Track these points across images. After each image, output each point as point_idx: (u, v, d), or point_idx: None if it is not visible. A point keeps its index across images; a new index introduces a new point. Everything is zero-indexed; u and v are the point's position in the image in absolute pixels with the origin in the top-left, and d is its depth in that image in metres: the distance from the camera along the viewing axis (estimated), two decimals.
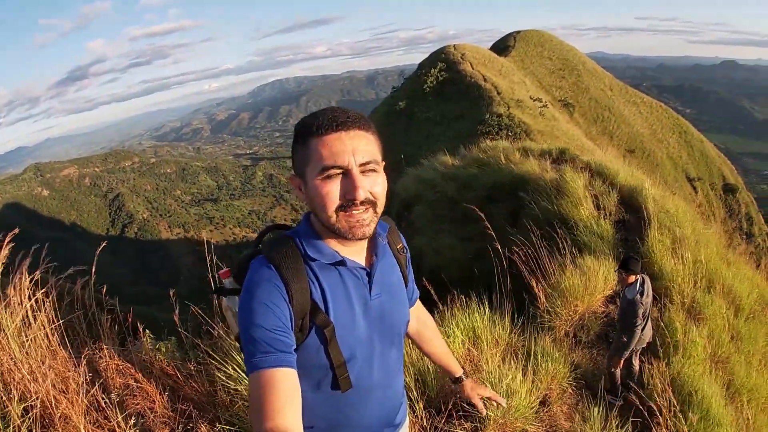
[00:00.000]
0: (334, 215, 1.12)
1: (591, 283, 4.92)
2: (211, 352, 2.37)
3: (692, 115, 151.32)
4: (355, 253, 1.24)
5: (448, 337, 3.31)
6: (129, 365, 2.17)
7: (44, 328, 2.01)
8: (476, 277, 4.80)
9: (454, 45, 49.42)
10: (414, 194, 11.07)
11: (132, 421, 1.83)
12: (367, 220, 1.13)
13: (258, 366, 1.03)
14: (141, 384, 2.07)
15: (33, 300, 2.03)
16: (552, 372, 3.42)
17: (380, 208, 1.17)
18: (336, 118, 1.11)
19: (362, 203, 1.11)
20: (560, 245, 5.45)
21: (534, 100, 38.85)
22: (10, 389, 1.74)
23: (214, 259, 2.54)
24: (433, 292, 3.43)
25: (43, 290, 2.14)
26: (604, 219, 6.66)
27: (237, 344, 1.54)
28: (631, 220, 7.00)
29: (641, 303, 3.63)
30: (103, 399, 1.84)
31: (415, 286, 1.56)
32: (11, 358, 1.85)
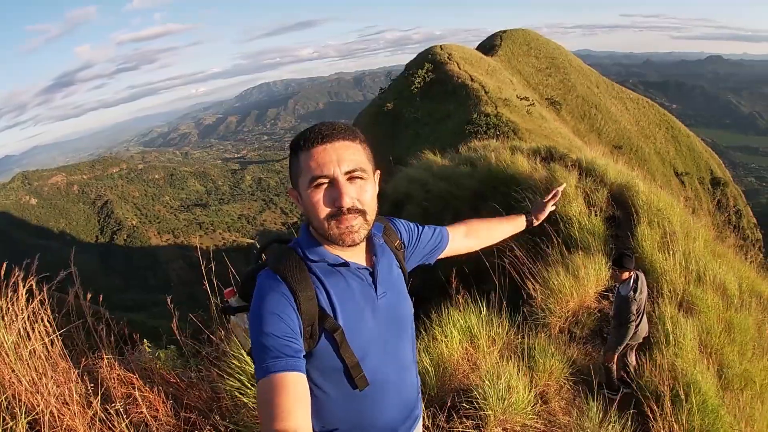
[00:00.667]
0: (326, 223, 1.18)
1: (583, 279, 4.97)
2: (213, 360, 2.37)
3: (679, 110, 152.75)
4: (355, 256, 1.29)
5: (445, 337, 3.33)
6: (130, 374, 2.17)
7: (43, 340, 1.99)
8: (470, 276, 4.83)
9: (440, 45, 49.65)
10: (404, 193, 11.09)
11: (134, 429, 1.83)
12: (357, 226, 1.19)
13: (269, 370, 1.05)
14: (143, 393, 2.06)
15: (30, 311, 2.01)
16: (549, 368, 3.45)
17: (370, 215, 1.22)
18: (322, 131, 1.18)
19: (350, 210, 1.17)
20: (553, 242, 5.50)
21: (521, 99, 39.12)
22: (12, 403, 1.73)
23: (212, 266, 2.55)
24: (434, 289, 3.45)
25: (37, 300, 2.13)
26: (595, 215, 6.71)
27: (249, 359, 1.57)
28: (621, 215, 7.06)
29: (635, 299, 3.67)
30: (106, 410, 1.83)
31: (436, 228, 1.65)
32: (12, 371, 1.84)
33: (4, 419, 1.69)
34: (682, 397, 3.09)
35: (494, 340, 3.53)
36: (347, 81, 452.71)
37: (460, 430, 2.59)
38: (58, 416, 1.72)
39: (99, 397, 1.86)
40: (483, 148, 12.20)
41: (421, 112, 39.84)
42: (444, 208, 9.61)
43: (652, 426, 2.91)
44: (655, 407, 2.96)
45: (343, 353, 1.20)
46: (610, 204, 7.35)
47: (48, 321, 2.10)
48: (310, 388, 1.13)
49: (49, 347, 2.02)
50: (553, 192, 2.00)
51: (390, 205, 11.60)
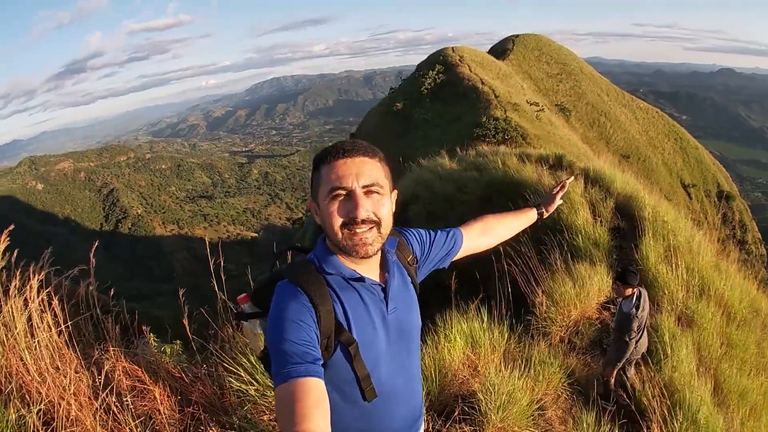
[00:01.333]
0: (340, 232, 1.23)
1: (586, 289, 4.97)
2: (221, 355, 2.40)
3: (688, 122, 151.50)
4: (369, 271, 1.33)
5: (448, 343, 3.35)
6: (136, 367, 2.19)
7: (51, 330, 2.02)
8: (474, 281, 4.84)
9: (452, 47, 49.46)
10: (411, 194, 11.11)
11: (138, 422, 1.85)
12: (370, 239, 1.23)
13: (290, 375, 1.08)
14: (147, 386, 2.09)
15: (38, 300, 2.04)
16: (547, 377, 3.46)
17: (384, 229, 1.27)
18: (344, 147, 1.25)
19: (364, 222, 1.21)
20: (557, 251, 5.51)
21: (531, 104, 38.97)
22: (22, 392, 1.76)
23: (221, 261, 2.57)
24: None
25: (46, 290, 2.16)
26: (600, 225, 6.71)
27: (260, 362, 1.61)
28: (626, 227, 7.05)
29: (637, 317, 3.67)
30: (114, 403, 1.86)
31: (449, 232, 1.67)
32: (21, 359, 1.87)
33: (10, 408, 1.72)
34: (676, 412, 3.10)
35: (494, 347, 3.54)
36: (357, 79, 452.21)
37: None
38: (65, 407, 1.75)
39: (107, 390, 1.88)
40: (491, 153, 12.21)
41: (430, 114, 39.71)
42: (449, 210, 9.63)
43: None
44: (649, 420, 2.97)
45: (356, 366, 1.25)
46: (615, 215, 7.35)
47: (55, 310, 2.13)
48: None
49: (56, 337, 2.05)
50: (561, 183, 2.03)
51: (397, 206, 11.60)
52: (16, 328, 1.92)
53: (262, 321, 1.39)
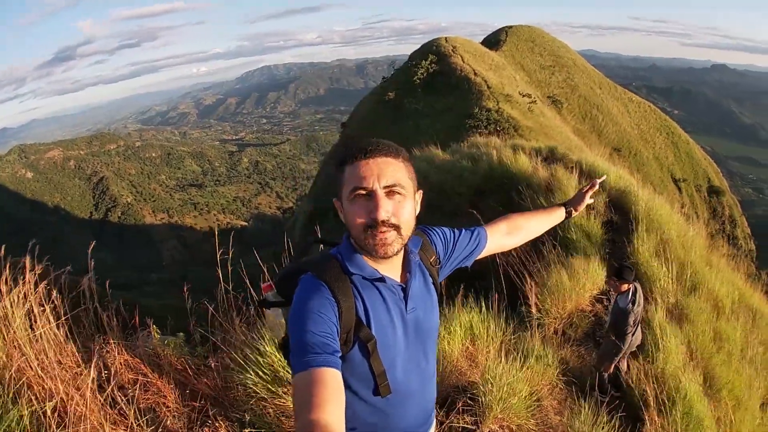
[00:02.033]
0: (362, 233, 1.24)
1: (580, 282, 5.02)
2: (225, 348, 2.39)
3: (680, 117, 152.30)
4: (391, 270, 1.35)
5: (448, 334, 3.38)
6: (138, 360, 2.18)
7: (50, 323, 2.00)
8: (469, 273, 4.85)
9: (445, 37, 49.29)
10: None
11: (144, 416, 1.85)
12: (390, 239, 1.24)
13: (308, 364, 1.10)
14: (150, 379, 2.08)
15: (38, 292, 2.02)
16: (543, 369, 3.50)
17: (406, 231, 1.27)
18: (367, 146, 1.25)
19: (384, 223, 1.22)
20: (551, 244, 5.54)
21: (523, 96, 38.99)
22: (23, 387, 1.74)
23: (229, 254, 2.55)
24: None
25: (44, 282, 2.13)
26: (594, 219, 6.75)
27: (279, 352, 1.63)
28: (619, 221, 7.11)
29: (632, 312, 3.73)
30: (119, 397, 1.85)
31: (474, 231, 1.66)
32: (22, 355, 1.85)
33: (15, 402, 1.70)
34: (669, 404, 3.15)
35: (492, 339, 3.58)
36: (349, 68, 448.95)
37: (460, 425, 2.65)
38: (68, 401, 1.74)
39: (113, 384, 1.87)
40: (485, 144, 12.21)
41: (422, 104, 39.61)
42: (445, 201, 9.63)
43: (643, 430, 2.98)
44: (643, 412, 3.02)
45: (373, 362, 1.27)
46: (608, 208, 7.39)
47: (54, 302, 2.11)
48: None
49: (56, 331, 2.03)
50: (591, 183, 2.00)
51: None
52: (15, 321, 1.90)
53: (285, 310, 1.42)
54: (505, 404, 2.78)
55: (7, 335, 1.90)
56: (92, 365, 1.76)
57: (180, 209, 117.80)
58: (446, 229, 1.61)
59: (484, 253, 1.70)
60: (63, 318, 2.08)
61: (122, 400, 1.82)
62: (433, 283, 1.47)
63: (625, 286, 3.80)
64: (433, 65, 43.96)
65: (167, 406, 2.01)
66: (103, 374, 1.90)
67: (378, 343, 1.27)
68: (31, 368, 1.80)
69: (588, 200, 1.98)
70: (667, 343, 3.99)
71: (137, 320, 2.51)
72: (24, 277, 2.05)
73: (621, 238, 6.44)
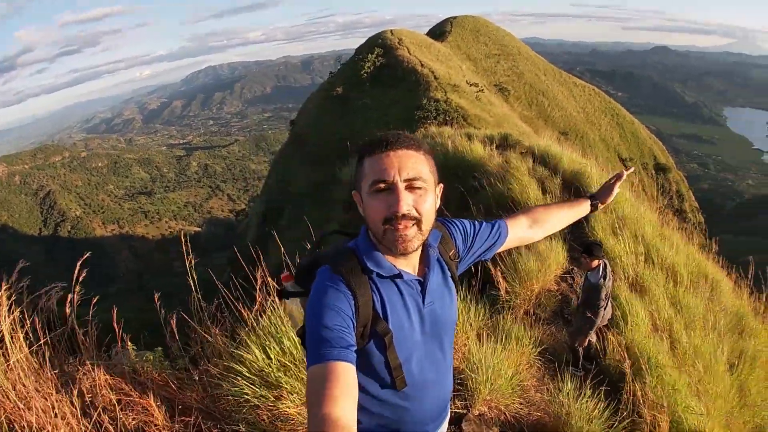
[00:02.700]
0: (381, 228, 1.23)
1: (545, 263, 5.17)
2: (209, 358, 2.32)
3: (624, 99, 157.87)
4: (409, 265, 1.34)
5: None
6: (119, 379, 2.09)
7: (24, 350, 1.89)
8: None
9: (391, 30, 49.37)
10: None
11: None
12: (410, 235, 1.23)
13: (323, 358, 1.10)
14: (134, 398, 2.00)
15: (11, 318, 1.90)
16: (521, 349, 3.61)
17: (426, 225, 1.26)
18: (387, 139, 1.24)
19: (404, 217, 1.20)
20: None
21: (471, 85, 39.48)
22: (2, 424, 1.63)
23: (190, 259, 2.48)
24: None
25: (17, 310, 2.01)
26: (550, 201, 6.95)
27: (297, 339, 1.63)
28: None
29: (604, 286, 3.87)
30: (105, 420, 1.77)
31: (495, 224, 1.64)
32: None
33: None
34: (642, 372, 3.31)
35: (471, 324, 3.65)
36: (295, 64, 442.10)
37: (451, 410, 2.70)
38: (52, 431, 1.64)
39: (97, 409, 1.78)
40: (439, 134, 12.35)
41: (370, 97, 39.52)
42: None
43: (623, 399, 3.12)
44: (619, 382, 3.16)
45: (389, 355, 1.27)
46: (563, 190, 7.63)
47: (28, 329, 1.99)
48: None
49: (30, 357, 1.91)
50: (617, 174, 1.95)
51: (349, 193, 11.59)
52: None
53: (303, 300, 1.41)
54: (492, 386, 2.88)
55: None
56: (74, 392, 1.67)
57: (130, 219, 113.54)
58: (466, 222, 1.60)
59: (505, 246, 1.68)
60: (36, 344, 1.96)
61: (110, 424, 1.75)
62: (452, 277, 1.47)
63: (595, 263, 3.96)
64: (379, 58, 43.92)
65: (156, 425, 1.94)
66: (86, 398, 1.81)
67: (394, 337, 1.28)
68: (9, 400, 1.69)
69: (616, 192, 1.92)
70: (634, 316, 4.18)
71: (119, 335, 2.39)
72: None
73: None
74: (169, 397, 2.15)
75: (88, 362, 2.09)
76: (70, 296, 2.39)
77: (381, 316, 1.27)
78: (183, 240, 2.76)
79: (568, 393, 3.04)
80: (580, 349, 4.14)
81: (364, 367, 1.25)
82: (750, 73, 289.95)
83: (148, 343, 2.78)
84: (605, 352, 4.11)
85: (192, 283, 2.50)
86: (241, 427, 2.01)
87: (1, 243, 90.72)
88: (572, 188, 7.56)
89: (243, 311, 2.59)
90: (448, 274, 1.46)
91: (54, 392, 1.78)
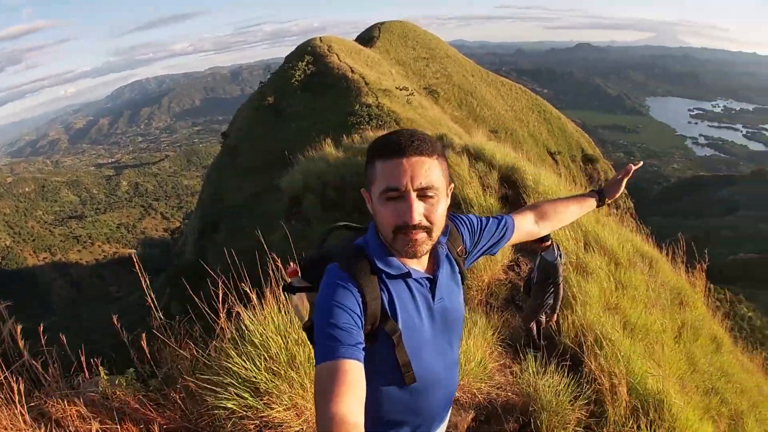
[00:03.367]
0: (391, 235, 1.24)
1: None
2: (186, 375, 2.27)
3: (550, 95, 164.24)
4: (419, 263, 1.36)
5: None
6: (92, 408, 2.01)
7: None
8: None
9: (320, 37, 49.13)
10: (302, 187, 11.02)
11: None
12: (420, 241, 1.24)
13: (331, 355, 1.12)
14: (110, 426, 1.93)
15: None
16: (483, 335, 3.81)
17: (436, 232, 1.27)
18: (401, 143, 1.21)
19: (416, 227, 1.21)
20: None
21: (401, 89, 39.89)
22: None
23: (145, 279, 2.41)
24: None
25: None
26: (490, 196, 7.25)
27: (304, 334, 1.62)
28: (512, 194, 7.71)
29: (561, 263, 4.12)
30: None
31: (502, 219, 1.66)
32: None
33: None
34: (597, 346, 3.57)
35: None
36: (224, 75, 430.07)
37: None
38: None
39: None
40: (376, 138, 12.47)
41: (302, 105, 39.06)
42: (345, 198, 9.70)
43: (584, 372, 3.37)
44: (578, 357, 3.38)
45: (398, 352, 1.29)
46: (501, 184, 7.97)
47: None
48: None
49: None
50: (625, 169, 1.90)
51: (289, 201, 11.54)
52: None
53: (310, 295, 1.41)
54: (464, 370, 3.00)
55: None
56: (50, 425, 1.59)
57: (62, 245, 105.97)
58: (473, 217, 1.61)
59: (512, 241, 1.71)
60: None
61: None
62: (460, 272, 1.49)
63: (547, 243, 4.20)
64: (309, 66, 43.53)
65: None
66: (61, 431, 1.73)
67: (403, 335, 1.29)
68: None
69: (623, 187, 1.90)
70: (586, 294, 4.47)
71: (84, 362, 2.28)
72: None
73: (515, 209, 6.97)
74: (147, 419, 2.09)
75: (54, 394, 2.00)
76: (19, 328, 2.27)
77: (390, 314, 1.28)
78: (135, 261, 2.69)
79: (533, 371, 3.23)
80: (534, 328, 4.37)
81: (372, 363, 1.25)
82: (669, 64, 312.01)
83: (113, 368, 2.67)
84: (560, 332, 4.35)
85: (151, 302, 2.43)
86: None
87: None
88: (509, 182, 7.93)
89: (221, 322, 2.55)
90: (456, 269, 1.47)
91: (28, 428, 1.70)
